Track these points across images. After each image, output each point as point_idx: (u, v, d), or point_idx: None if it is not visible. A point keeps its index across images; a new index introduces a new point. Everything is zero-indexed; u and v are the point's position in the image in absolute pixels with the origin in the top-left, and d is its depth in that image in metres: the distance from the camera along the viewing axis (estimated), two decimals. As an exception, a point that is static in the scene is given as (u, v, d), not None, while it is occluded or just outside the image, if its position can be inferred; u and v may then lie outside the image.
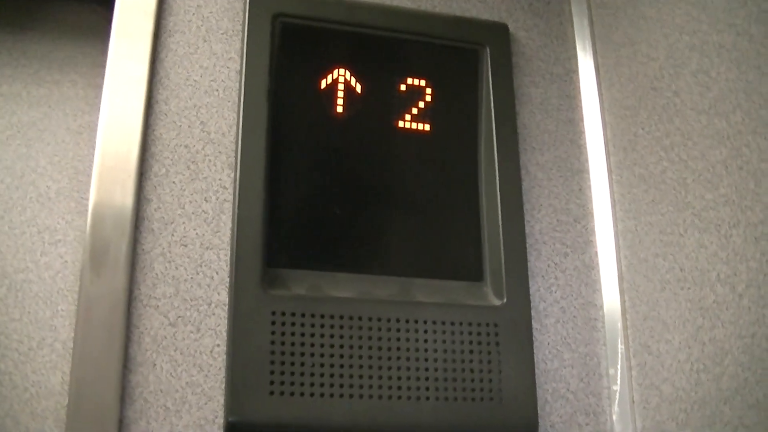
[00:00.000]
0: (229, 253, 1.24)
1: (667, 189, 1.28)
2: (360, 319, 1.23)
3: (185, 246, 1.23)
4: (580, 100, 1.51)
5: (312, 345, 1.19)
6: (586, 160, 1.47)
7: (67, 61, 1.46)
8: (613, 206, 1.41)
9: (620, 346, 1.34)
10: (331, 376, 1.19)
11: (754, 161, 1.11)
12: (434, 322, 1.26)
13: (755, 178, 1.11)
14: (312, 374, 1.18)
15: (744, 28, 1.16)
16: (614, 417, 1.32)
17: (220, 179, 1.27)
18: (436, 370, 1.24)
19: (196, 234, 1.24)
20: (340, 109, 1.35)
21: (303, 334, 1.20)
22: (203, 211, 1.25)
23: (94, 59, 1.45)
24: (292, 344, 1.19)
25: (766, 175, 1.09)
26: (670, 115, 1.29)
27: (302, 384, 1.17)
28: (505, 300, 1.31)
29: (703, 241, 1.19)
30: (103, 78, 1.27)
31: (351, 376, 1.20)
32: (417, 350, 1.24)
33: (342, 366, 1.20)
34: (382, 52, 1.41)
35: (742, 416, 1.09)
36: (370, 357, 1.22)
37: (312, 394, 1.17)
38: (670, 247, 1.26)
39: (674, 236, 1.26)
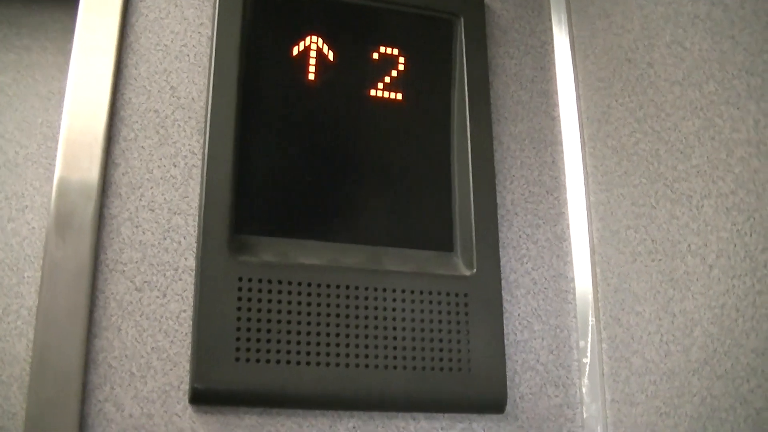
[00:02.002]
0: (197, 218, 1.23)
1: (639, 161, 1.28)
2: (328, 286, 1.22)
3: (153, 211, 1.21)
4: (555, 72, 1.50)
5: (279, 312, 1.18)
6: (560, 132, 1.46)
7: (37, 26, 1.44)
8: (586, 178, 1.41)
9: (591, 319, 1.34)
10: (298, 343, 1.18)
11: (726, 131, 1.11)
12: (403, 291, 1.25)
13: (727, 148, 1.10)
14: (278, 341, 1.17)
15: (719, -1, 1.15)
16: (584, 389, 1.32)
17: (189, 144, 1.26)
18: (404, 339, 1.23)
19: (164, 199, 1.22)
20: (312, 77, 1.33)
21: (270, 301, 1.19)
22: (172, 176, 1.24)
23: (64, 25, 1.43)
24: (259, 311, 1.18)
25: (738, 146, 1.08)
26: (644, 86, 1.29)
27: (268, 351, 1.16)
28: (475, 270, 1.30)
29: (675, 212, 1.19)
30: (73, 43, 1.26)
31: (318, 344, 1.19)
32: (386, 319, 1.23)
33: (309, 333, 1.19)
34: (355, 20, 1.40)
35: (711, 387, 1.09)
36: (338, 325, 1.21)
37: (278, 361, 1.16)
38: (641, 218, 1.26)
39: (646, 208, 1.25)
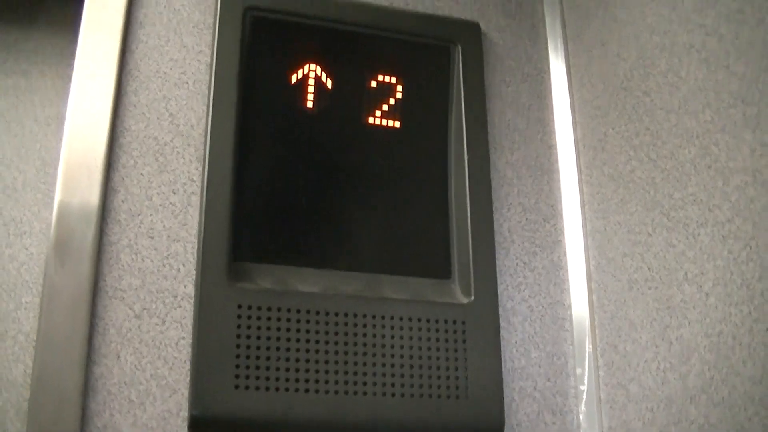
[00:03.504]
0: (196, 245, 1.23)
1: (636, 188, 1.29)
2: (326, 314, 1.22)
3: (152, 238, 1.22)
4: (551, 100, 1.51)
5: (278, 339, 1.19)
6: (556, 160, 1.47)
7: (36, 51, 1.45)
8: (582, 206, 1.42)
9: (588, 346, 1.34)
10: (297, 370, 1.18)
11: (722, 160, 1.12)
12: (401, 319, 1.26)
13: (723, 176, 1.11)
14: (277, 368, 1.17)
15: (713, 28, 1.16)
16: (581, 416, 1.32)
17: (188, 172, 1.26)
18: (402, 366, 1.24)
19: (163, 226, 1.23)
20: (310, 104, 1.34)
21: (269, 328, 1.19)
22: (171, 203, 1.24)
23: (63, 50, 1.44)
24: (258, 338, 1.18)
25: (734, 174, 1.09)
26: (639, 114, 1.30)
27: (267, 378, 1.17)
28: (472, 298, 1.30)
29: (671, 240, 1.20)
30: (72, 69, 1.26)
31: (317, 371, 1.19)
32: (383, 346, 1.24)
33: (308, 361, 1.19)
34: (353, 47, 1.41)
35: (708, 414, 1.09)
36: (336, 352, 1.21)
37: (277, 389, 1.17)
38: (638, 246, 1.27)
39: (642, 235, 1.26)
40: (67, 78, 1.36)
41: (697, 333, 1.13)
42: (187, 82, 1.31)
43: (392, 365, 1.23)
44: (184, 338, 1.19)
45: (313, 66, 1.36)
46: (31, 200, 1.34)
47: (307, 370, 1.19)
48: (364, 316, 1.24)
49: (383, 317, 1.25)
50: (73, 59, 1.27)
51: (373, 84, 1.39)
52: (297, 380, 1.18)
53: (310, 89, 1.35)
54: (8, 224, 1.32)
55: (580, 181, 1.43)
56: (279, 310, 1.20)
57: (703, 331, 1.12)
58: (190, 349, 1.18)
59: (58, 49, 1.45)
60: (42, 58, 1.44)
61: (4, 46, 1.44)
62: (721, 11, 1.15)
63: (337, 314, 1.23)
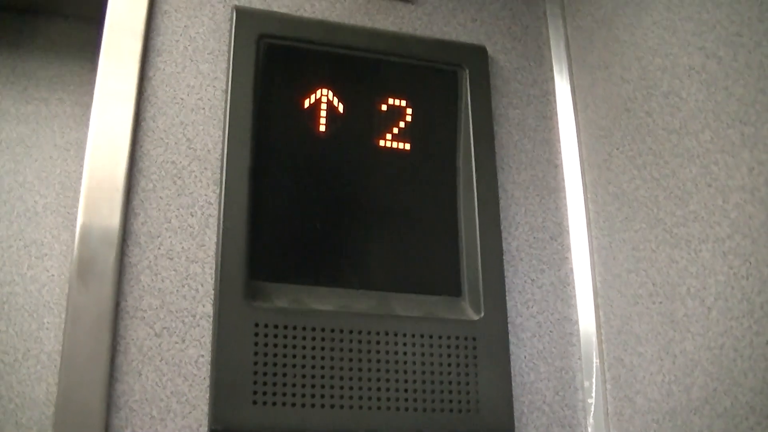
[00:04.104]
0: (213, 266, 1.26)
1: (639, 206, 1.32)
2: (341, 331, 1.25)
3: (171, 259, 1.25)
4: (557, 121, 1.55)
5: (294, 356, 1.22)
6: (562, 179, 1.51)
7: (55, 79, 1.48)
8: (588, 224, 1.45)
9: (595, 360, 1.37)
10: (313, 386, 1.21)
11: (722, 178, 1.14)
12: (413, 336, 1.29)
13: (723, 194, 1.14)
14: (294, 384, 1.21)
15: (713, 51, 1.19)
16: (589, 429, 1.34)
17: (205, 195, 1.29)
18: (414, 381, 1.27)
19: (182, 248, 1.26)
20: (322, 128, 1.38)
21: (285, 346, 1.22)
22: (189, 225, 1.27)
23: (81, 77, 1.47)
24: (275, 355, 1.21)
25: (733, 192, 1.12)
26: (642, 135, 1.33)
27: (284, 394, 1.20)
28: (482, 314, 1.33)
29: (674, 256, 1.23)
30: (90, 96, 1.29)
31: (332, 387, 1.22)
32: (396, 362, 1.27)
33: (323, 377, 1.22)
34: (363, 72, 1.44)
35: (711, 425, 1.12)
36: (351, 369, 1.24)
37: (294, 404, 1.20)
38: (642, 262, 1.30)
39: (646, 252, 1.29)
40: (84, 105, 1.39)
41: (700, 346, 1.16)
42: (204, 108, 1.34)
43: (405, 380, 1.26)
44: (203, 356, 1.21)
45: (325, 91, 1.39)
46: (52, 223, 1.37)
47: (322, 386, 1.22)
48: (377, 333, 1.27)
49: (396, 334, 1.28)
50: (91, 86, 1.30)
51: (384, 107, 1.42)
52: (313, 395, 1.21)
53: (323, 113, 1.38)
54: (29, 246, 1.35)
55: (586, 199, 1.46)
56: (295, 328, 1.23)
57: (706, 344, 1.15)
58: (209, 367, 1.21)
59: (77, 77, 1.48)
60: (61, 86, 1.47)
61: (24, 74, 1.47)
62: (720, 34, 1.19)
63: (351, 331, 1.26)
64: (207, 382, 1.20)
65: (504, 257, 1.40)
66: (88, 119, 1.28)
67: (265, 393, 1.19)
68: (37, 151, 1.41)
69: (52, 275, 1.33)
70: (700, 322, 1.16)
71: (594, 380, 1.36)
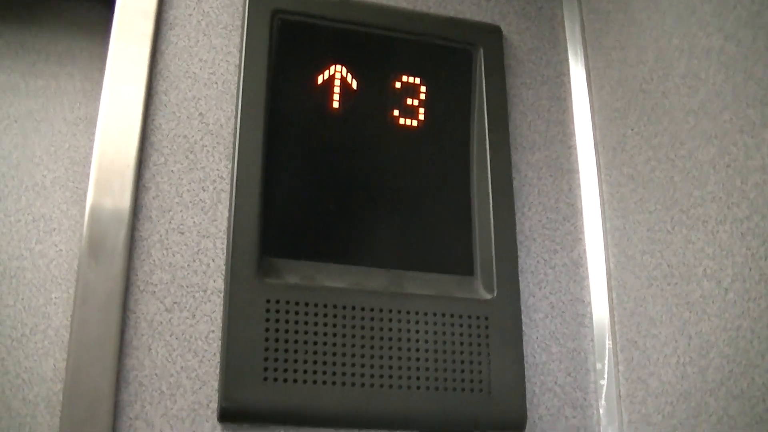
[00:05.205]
0: (225, 241, 1.25)
1: (655, 188, 1.31)
2: (353, 308, 1.25)
3: (182, 234, 1.24)
4: (571, 102, 1.54)
5: (305, 333, 1.21)
6: (576, 160, 1.50)
7: (65, 54, 1.47)
8: (602, 205, 1.44)
9: (607, 342, 1.36)
10: (324, 363, 1.21)
11: (741, 159, 1.14)
12: (425, 314, 1.28)
13: (742, 175, 1.13)
14: (305, 361, 1.20)
15: (732, 32, 1.18)
16: (601, 411, 1.34)
17: (217, 169, 1.29)
18: (426, 360, 1.26)
19: (194, 222, 1.25)
20: (336, 105, 1.37)
21: (297, 322, 1.22)
22: (201, 200, 1.27)
23: (92, 52, 1.46)
24: (286, 332, 1.21)
25: (752, 172, 1.11)
26: (658, 116, 1.32)
27: (295, 371, 1.19)
28: (495, 294, 1.33)
29: (690, 237, 1.22)
30: (100, 71, 1.29)
31: (343, 365, 1.22)
32: (408, 341, 1.26)
33: (334, 354, 1.22)
34: (378, 49, 1.43)
35: (727, 407, 1.11)
36: (362, 346, 1.24)
37: (305, 381, 1.19)
38: (657, 244, 1.29)
39: (662, 233, 1.28)
40: (95, 80, 1.39)
41: (716, 327, 1.15)
42: (216, 83, 1.34)
43: (416, 359, 1.26)
44: (213, 332, 1.21)
45: (338, 67, 1.38)
46: (60, 198, 1.36)
47: (333, 363, 1.21)
48: (389, 311, 1.27)
49: (408, 312, 1.28)
50: (102, 61, 1.29)
51: (398, 85, 1.41)
52: (324, 373, 1.20)
53: (336, 90, 1.37)
54: (38, 221, 1.34)
55: (600, 180, 1.46)
56: (306, 304, 1.23)
57: (722, 325, 1.14)
58: (219, 343, 1.20)
59: (87, 52, 1.47)
60: (71, 61, 1.46)
61: (34, 49, 1.46)
62: (739, 15, 1.17)
63: (362, 309, 1.25)
64: (217, 358, 1.20)
65: (517, 237, 1.39)
66: (98, 95, 1.28)
67: (276, 369, 1.18)
68: (47, 126, 1.40)
69: (61, 250, 1.32)
70: (716, 304, 1.16)
71: (606, 362, 1.36)
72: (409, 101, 1.41)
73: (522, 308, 1.36)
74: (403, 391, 1.23)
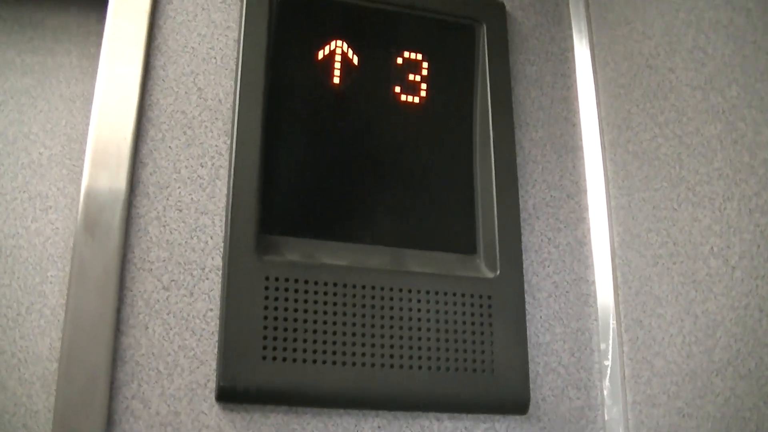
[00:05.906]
0: (223, 218, 1.24)
1: (660, 165, 1.29)
2: (353, 287, 1.23)
3: (180, 210, 1.23)
4: (575, 79, 1.52)
5: (305, 311, 1.20)
6: (580, 138, 1.48)
7: (61, 29, 1.45)
8: (607, 183, 1.42)
9: (612, 321, 1.35)
10: (324, 342, 1.19)
11: (749, 135, 1.12)
12: (427, 292, 1.27)
13: (750, 151, 1.11)
14: (305, 340, 1.18)
15: (741, 4, 1.17)
16: (605, 391, 1.33)
17: (216, 145, 1.27)
18: (428, 339, 1.24)
19: (191, 199, 1.24)
20: (336, 81, 1.35)
21: (296, 300, 1.20)
22: (199, 176, 1.25)
23: (88, 28, 1.44)
24: (285, 310, 1.19)
25: (760, 148, 1.10)
26: (664, 91, 1.30)
27: (294, 350, 1.17)
28: (498, 273, 1.31)
29: (697, 215, 1.20)
30: (97, 47, 1.27)
31: (344, 344, 1.20)
32: (410, 319, 1.24)
33: (335, 333, 1.20)
34: (379, 25, 1.41)
35: (734, 387, 1.10)
36: (363, 325, 1.22)
37: (304, 360, 1.17)
38: (663, 222, 1.27)
39: (668, 211, 1.26)
40: (92, 56, 1.37)
41: (723, 306, 1.13)
42: (215, 57, 1.32)
43: (418, 338, 1.24)
44: (211, 310, 1.19)
45: (339, 42, 1.36)
46: (57, 175, 1.35)
47: (333, 342, 1.20)
48: (391, 289, 1.25)
49: (409, 291, 1.26)
50: (99, 37, 1.27)
51: (399, 61, 1.39)
52: (324, 352, 1.19)
53: (337, 65, 1.35)
54: (34, 199, 1.33)
55: (604, 158, 1.44)
56: (306, 282, 1.21)
57: (729, 304, 1.12)
58: (217, 321, 1.19)
59: (84, 28, 1.45)
60: (68, 36, 1.45)
61: (30, 24, 1.44)
62: (749, -14, 1.16)
63: (363, 287, 1.24)
64: (215, 336, 1.18)
65: (520, 215, 1.38)
66: (94, 71, 1.26)
67: (275, 348, 1.17)
68: (43, 102, 1.39)
69: (57, 228, 1.31)
70: (723, 282, 1.14)
71: (611, 342, 1.34)
72: (411, 77, 1.39)
73: (525, 287, 1.34)
74: (404, 371, 1.22)
